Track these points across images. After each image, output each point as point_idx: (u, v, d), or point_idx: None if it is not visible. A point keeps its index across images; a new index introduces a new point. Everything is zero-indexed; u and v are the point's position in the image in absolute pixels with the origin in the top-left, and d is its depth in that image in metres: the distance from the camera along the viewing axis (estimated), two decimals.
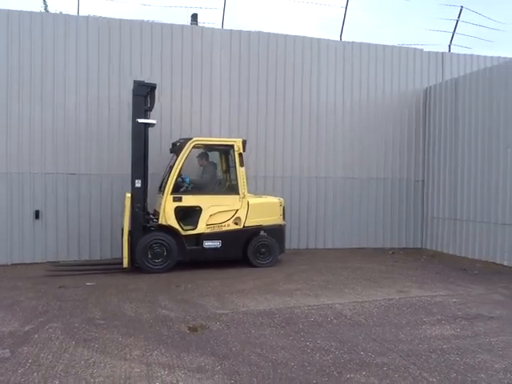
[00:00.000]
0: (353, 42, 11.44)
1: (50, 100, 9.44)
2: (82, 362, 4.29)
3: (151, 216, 8.81)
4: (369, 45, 11.52)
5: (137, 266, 8.38)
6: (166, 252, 8.40)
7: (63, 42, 9.48)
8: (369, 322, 5.54)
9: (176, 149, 8.98)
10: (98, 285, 7.38)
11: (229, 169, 9.47)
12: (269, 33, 10.83)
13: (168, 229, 8.48)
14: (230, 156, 9.25)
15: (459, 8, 12.09)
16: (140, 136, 8.34)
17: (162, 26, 10.16)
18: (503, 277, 8.27)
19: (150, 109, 8.60)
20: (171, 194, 8.48)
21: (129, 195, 8.27)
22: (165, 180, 8.81)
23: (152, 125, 8.60)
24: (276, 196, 9.79)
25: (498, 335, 5.13)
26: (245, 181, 8.89)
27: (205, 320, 5.56)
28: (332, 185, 11.19)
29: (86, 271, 8.52)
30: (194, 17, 12.14)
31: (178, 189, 8.63)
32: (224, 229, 8.73)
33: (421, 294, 6.92)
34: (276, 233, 9.16)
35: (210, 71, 10.40)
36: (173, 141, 9.43)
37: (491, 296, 6.87)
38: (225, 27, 10.88)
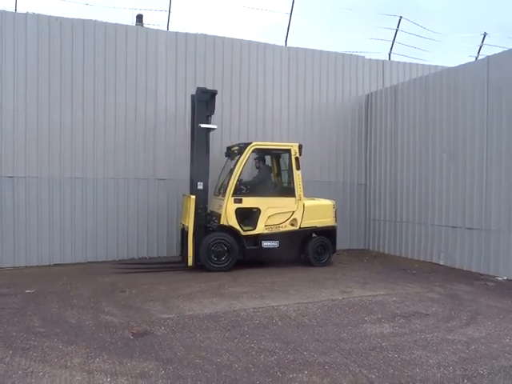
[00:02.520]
0: (297, 48, 11.68)
1: None
2: (20, 372, 4.14)
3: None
4: (313, 51, 11.81)
5: (199, 265, 8.72)
6: (228, 251, 8.81)
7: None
8: (312, 323, 5.67)
9: (230, 152, 9.73)
10: (38, 292, 7.13)
11: (280, 172, 10.05)
12: (215, 36, 10.86)
13: (229, 229, 8.91)
14: (281, 159, 9.93)
15: (398, 18, 12.58)
16: (202, 140, 8.81)
17: (106, 25, 9.97)
18: (439, 276, 8.69)
19: (211, 114, 9.01)
20: (232, 195, 8.84)
21: (193, 197, 8.66)
22: (224, 182, 9.28)
23: (212, 129, 8.98)
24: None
25: (433, 332, 5.39)
26: (301, 184, 9.29)
27: (149, 325, 5.50)
28: None
29: (148, 269, 8.97)
30: (139, 18, 11.96)
31: (237, 191, 8.98)
32: (281, 230, 9.17)
33: (362, 293, 7.15)
34: (329, 234, 9.63)
35: (155, 73, 10.31)
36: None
37: (428, 294, 7.20)
38: (169, 30, 10.81)
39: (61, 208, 9.59)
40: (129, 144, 10.12)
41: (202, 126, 8.82)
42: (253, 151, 9.17)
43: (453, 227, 9.52)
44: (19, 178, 9.27)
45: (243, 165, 9.02)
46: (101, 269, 8.98)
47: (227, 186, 8.98)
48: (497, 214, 8.62)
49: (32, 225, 9.37)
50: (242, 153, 9.06)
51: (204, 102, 8.91)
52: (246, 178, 9.44)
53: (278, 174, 10.14)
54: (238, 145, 9.47)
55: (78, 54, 9.67)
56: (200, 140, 8.84)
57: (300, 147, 9.38)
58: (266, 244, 9.04)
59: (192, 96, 9.41)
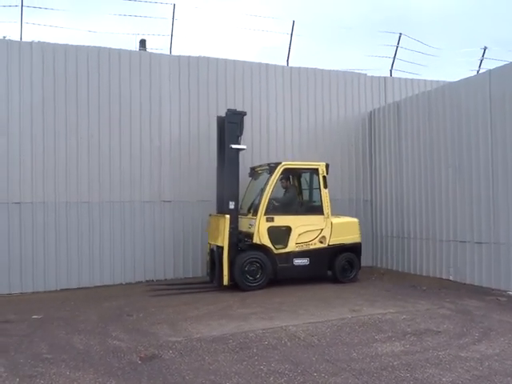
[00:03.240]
0: (299, 68, 11.78)
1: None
2: None
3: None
4: (315, 70, 11.89)
5: (232, 284, 8.82)
6: (261, 270, 8.95)
7: (5, 68, 9.27)
8: (322, 343, 5.60)
9: (254, 173, 10.13)
10: (45, 318, 7.11)
11: (301, 190, 10.29)
12: (217, 58, 10.97)
13: (261, 248, 9.07)
14: (302, 178, 10.21)
15: (398, 35, 12.71)
16: (233, 160, 9.07)
17: (110, 51, 10.09)
18: (449, 291, 8.59)
19: (240, 135, 9.32)
20: (264, 214, 9.02)
21: (227, 216, 8.77)
22: (255, 202, 9.47)
23: (242, 149, 9.23)
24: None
25: (445, 349, 5.31)
26: (329, 202, 9.56)
27: (157, 349, 5.45)
28: None
29: (182, 290, 9.00)
30: (143, 43, 12.16)
31: (268, 210, 9.18)
32: (311, 247, 9.39)
33: (372, 312, 7.07)
34: (355, 250, 9.85)
35: (159, 97, 10.41)
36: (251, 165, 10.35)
37: (438, 311, 7.11)
38: (172, 53, 10.94)
39: (67, 233, 9.59)
40: (134, 167, 10.16)
41: (234, 146, 9.06)
42: (283, 170, 9.35)
43: (461, 242, 9.43)
44: (26, 203, 9.30)
45: (274, 183, 9.25)
46: (107, 293, 8.96)
47: (258, 205, 9.12)
48: (505, 226, 8.54)
49: (38, 251, 9.36)
50: (273, 172, 9.27)
51: (235, 124, 9.20)
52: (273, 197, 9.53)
53: (300, 192, 10.30)
54: (268, 164, 9.65)
55: (83, 81, 9.78)
56: (231, 160, 9.07)
57: (327, 166, 9.66)
58: (297, 262, 9.24)
59: (218, 118, 9.59)
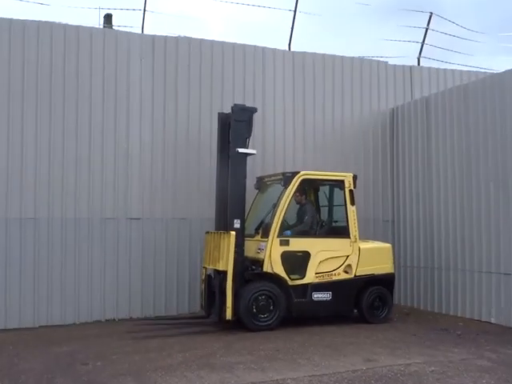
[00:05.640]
0: (304, 53, 11.85)
1: None
2: None
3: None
4: (324, 55, 11.98)
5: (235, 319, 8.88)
6: (273, 306, 8.91)
7: None
8: None
9: (262, 184, 10.23)
10: None
11: (319, 207, 10.36)
12: (201, 39, 11.02)
13: (272, 278, 9.04)
14: (319, 192, 10.32)
15: (428, 14, 12.84)
16: (240, 168, 9.10)
17: (65, 27, 10.08)
18: (490, 337, 8.59)
19: (249, 136, 9.37)
20: (277, 236, 8.99)
21: (233, 233, 8.76)
22: (265, 220, 9.53)
23: (251, 155, 9.28)
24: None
25: None
26: (356, 222, 9.60)
27: None
28: None
29: (172, 325, 9.24)
30: (108, 18, 12.25)
31: (283, 231, 9.24)
32: (334, 278, 9.36)
33: (392, 362, 7.03)
34: (388, 283, 9.88)
35: (127, 86, 10.42)
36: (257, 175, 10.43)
37: (476, 362, 7.10)
38: (144, 32, 11.01)
39: (6, 257, 9.52)
40: (95, 175, 10.14)
41: (241, 150, 9.09)
42: (302, 181, 9.39)
43: (505, 274, 9.46)
44: None
45: (291, 197, 9.32)
46: (57, 334, 8.89)
47: (270, 225, 9.11)
48: None
49: None
50: (289, 184, 9.27)
51: (243, 122, 9.22)
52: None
53: (318, 209, 10.34)
54: (283, 174, 9.63)
55: (32, 62, 9.73)
56: (237, 168, 9.08)
57: (355, 178, 9.77)
58: (317, 296, 9.21)
59: (221, 115, 9.65)
